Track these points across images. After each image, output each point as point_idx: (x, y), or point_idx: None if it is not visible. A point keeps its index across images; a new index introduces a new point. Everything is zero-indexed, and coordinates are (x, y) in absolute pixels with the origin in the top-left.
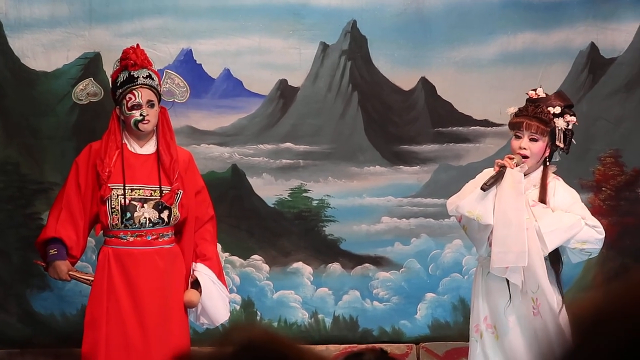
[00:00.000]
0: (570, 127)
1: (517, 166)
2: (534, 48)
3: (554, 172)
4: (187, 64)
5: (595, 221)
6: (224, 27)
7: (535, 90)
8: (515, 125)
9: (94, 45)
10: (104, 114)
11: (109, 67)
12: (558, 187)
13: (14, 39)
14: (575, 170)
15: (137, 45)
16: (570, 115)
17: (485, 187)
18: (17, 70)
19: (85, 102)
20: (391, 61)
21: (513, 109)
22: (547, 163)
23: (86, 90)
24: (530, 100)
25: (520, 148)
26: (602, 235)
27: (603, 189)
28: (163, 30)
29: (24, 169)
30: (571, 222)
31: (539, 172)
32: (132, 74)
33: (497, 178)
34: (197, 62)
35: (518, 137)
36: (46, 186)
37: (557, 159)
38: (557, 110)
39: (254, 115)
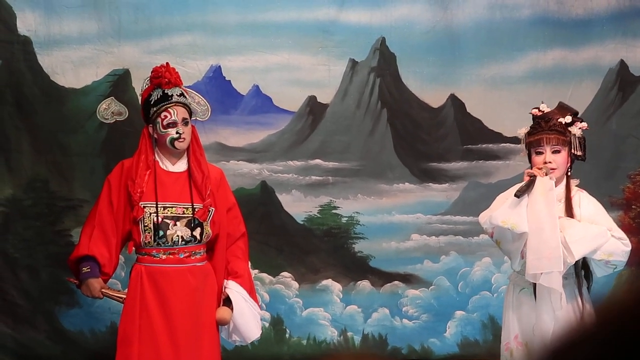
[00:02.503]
0: (582, 133)
1: (546, 175)
2: (564, 65)
3: (577, 185)
4: (216, 81)
5: (621, 233)
6: (253, 44)
7: (537, 108)
8: (534, 143)
9: (123, 62)
10: (134, 131)
11: (137, 84)
12: (583, 198)
13: (43, 56)
14: (605, 188)
15: (167, 63)
16: (581, 122)
17: (518, 194)
18: (47, 87)
19: (112, 121)
20: (420, 78)
21: (524, 129)
22: (569, 173)
23: (110, 109)
24: (538, 117)
25: (544, 163)
26: (629, 248)
27: (633, 206)
28: (192, 46)
29: (53, 186)
30: (597, 232)
31: (562, 186)
32: (166, 92)
33: (528, 186)
34: (226, 78)
35: (539, 154)
36: (75, 203)
37: (572, 172)
38: (568, 119)
39: (283, 132)
